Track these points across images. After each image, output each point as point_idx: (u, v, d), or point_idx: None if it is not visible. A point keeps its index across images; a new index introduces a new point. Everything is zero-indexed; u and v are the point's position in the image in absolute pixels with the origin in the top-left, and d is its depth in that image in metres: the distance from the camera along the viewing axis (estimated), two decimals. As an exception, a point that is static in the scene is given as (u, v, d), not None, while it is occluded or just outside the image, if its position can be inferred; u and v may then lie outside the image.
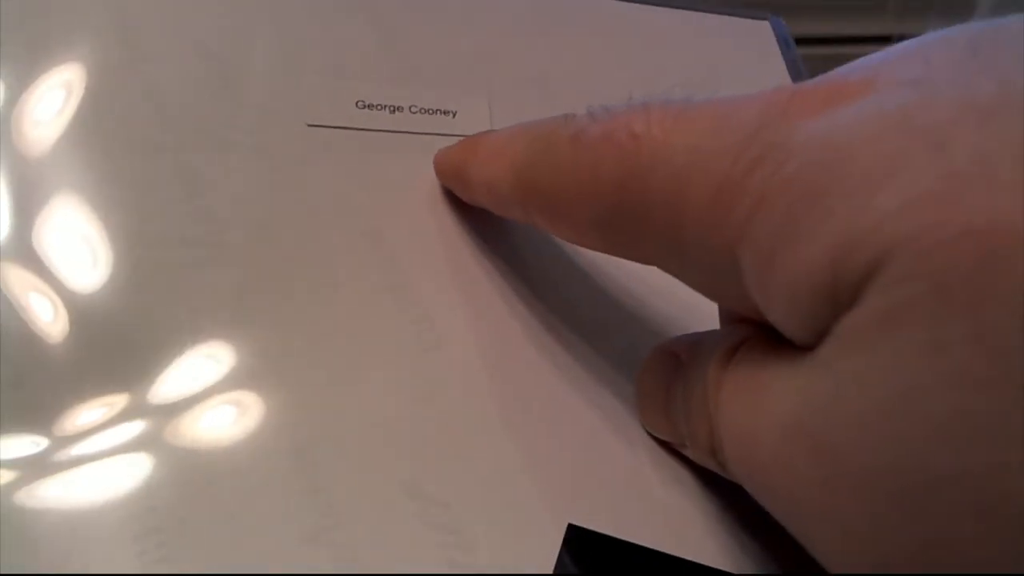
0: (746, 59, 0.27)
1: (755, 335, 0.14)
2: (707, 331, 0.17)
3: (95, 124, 0.20)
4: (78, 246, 0.18)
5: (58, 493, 0.15)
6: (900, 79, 0.11)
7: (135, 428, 0.16)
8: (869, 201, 0.10)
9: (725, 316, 0.17)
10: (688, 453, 0.17)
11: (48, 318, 0.17)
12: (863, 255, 0.10)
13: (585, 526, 0.16)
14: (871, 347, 0.10)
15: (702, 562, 0.16)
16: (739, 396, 0.13)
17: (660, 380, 0.17)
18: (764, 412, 0.12)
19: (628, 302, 0.20)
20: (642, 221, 0.14)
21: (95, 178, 0.19)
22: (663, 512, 0.17)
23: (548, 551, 0.16)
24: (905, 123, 0.10)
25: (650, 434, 0.18)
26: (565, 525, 0.16)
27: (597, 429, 0.18)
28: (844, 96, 0.11)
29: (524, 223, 0.18)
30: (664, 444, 0.17)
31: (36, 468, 0.16)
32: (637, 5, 0.26)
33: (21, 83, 0.20)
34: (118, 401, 0.17)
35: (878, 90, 0.11)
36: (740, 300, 0.13)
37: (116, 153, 0.20)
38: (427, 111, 0.23)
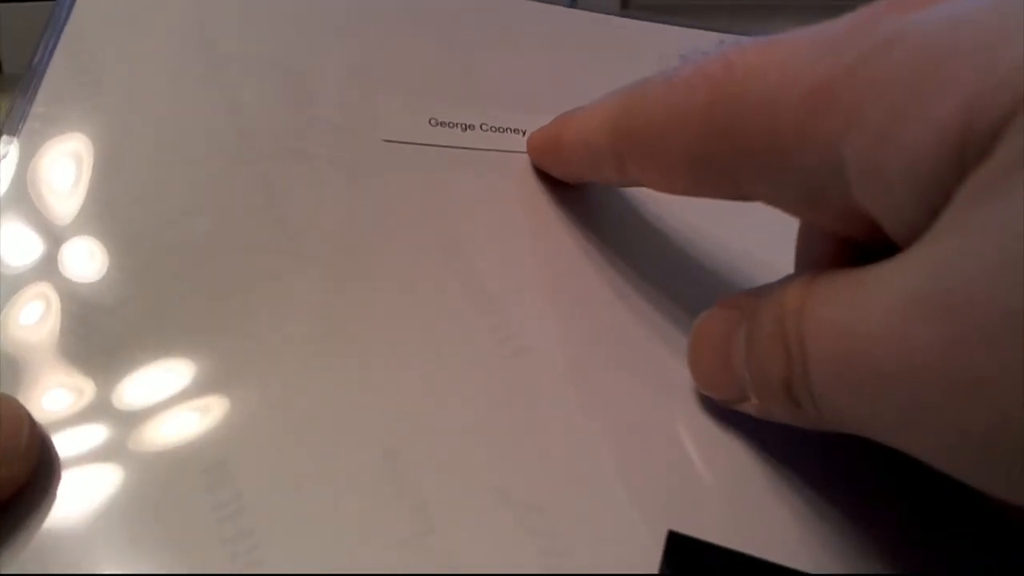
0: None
1: (836, 261, 0.14)
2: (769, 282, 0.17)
3: (178, 134, 0.20)
4: (159, 251, 0.18)
5: (146, 496, 0.15)
6: None
7: (221, 432, 0.16)
8: (1000, 53, 0.10)
9: (803, 254, 0.17)
10: (747, 407, 0.16)
11: (126, 321, 0.17)
12: (997, 103, 0.10)
13: (685, 532, 0.15)
14: (1009, 187, 0.10)
15: (807, 570, 0.15)
16: (832, 302, 0.13)
17: (719, 333, 0.16)
18: (872, 302, 0.12)
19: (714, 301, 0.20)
20: (735, 139, 0.14)
21: (177, 184, 0.20)
22: (766, 517, 0.16)
23: (647, 554, 0.15)
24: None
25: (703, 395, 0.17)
26: (662, 527, 0.15)
27: (687, 431, 0.17)
28: None
29: (617, 182, 0.18)
30: (766, 444, 0.17)
31: (118, 466, 0.16)
32: (700, 32, 0.27)
33: (110, 96, 0.21)
34: (205, 404, 0.16)
35: None
36: (839, 209, 0.13)
37: (197, 161, 0.20)
38: (498, 129, 0.23)
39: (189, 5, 0.22)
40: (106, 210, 0.19)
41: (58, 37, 0.21)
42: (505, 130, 0.23)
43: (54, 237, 0.18)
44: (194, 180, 0.20)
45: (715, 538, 0.15)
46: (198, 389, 0.17)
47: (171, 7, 0.22)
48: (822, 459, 0.17)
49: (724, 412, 0.17)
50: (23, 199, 0.19)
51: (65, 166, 0.19)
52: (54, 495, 0.15)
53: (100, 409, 0.16)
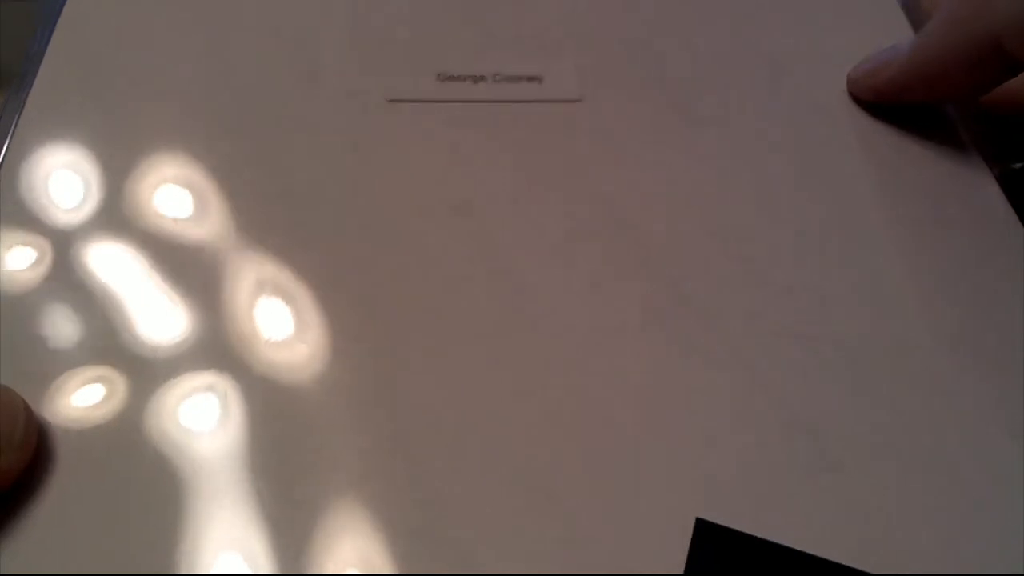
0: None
1: None
2: None
3: (179, 112, 0.20)
4: (165, 230, 0.18)
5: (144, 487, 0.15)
6: None
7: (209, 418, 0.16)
8: None
9: None
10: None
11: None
12: None
13: (713, 520, 0.14)
14: None
15: (833, 559, 0.14)
16: None
17: None
18: None
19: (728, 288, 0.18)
20: None
21: (180, 163, 0.19)
22: (792, 508, 0.15)
23: (675, 545, 0.14)
24: None
25: None
26: (690, 514, 0.14)
27: (717, 420, 0.16)
28: None
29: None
30: (798, 432, 0.16)
31: (117, 456, 0.15)
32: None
33: (108, 73, 0.20)
34: (195, 388, 0.16)
35: None
36: None
37: (200, 138, 0.19)
38: (512, 79, 0.21)
39: None
40: (105, 201, 0.18)
41: (52, 28, 0.20)
42: (521, 79, 0.21)
43: (51, 231, 0.18)
44: (195, 157, 0.19)
45: (743, 527, 0.14)
46: (192, 375, 0.16)
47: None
48: (853, 449, 0.15)
49: (754, 402, 0.16)
50: (21, 193, 0.18)
51: (62, 158, 0.19)
52: (51, 484, 0.15)
53: (96, 399, 0.16)
